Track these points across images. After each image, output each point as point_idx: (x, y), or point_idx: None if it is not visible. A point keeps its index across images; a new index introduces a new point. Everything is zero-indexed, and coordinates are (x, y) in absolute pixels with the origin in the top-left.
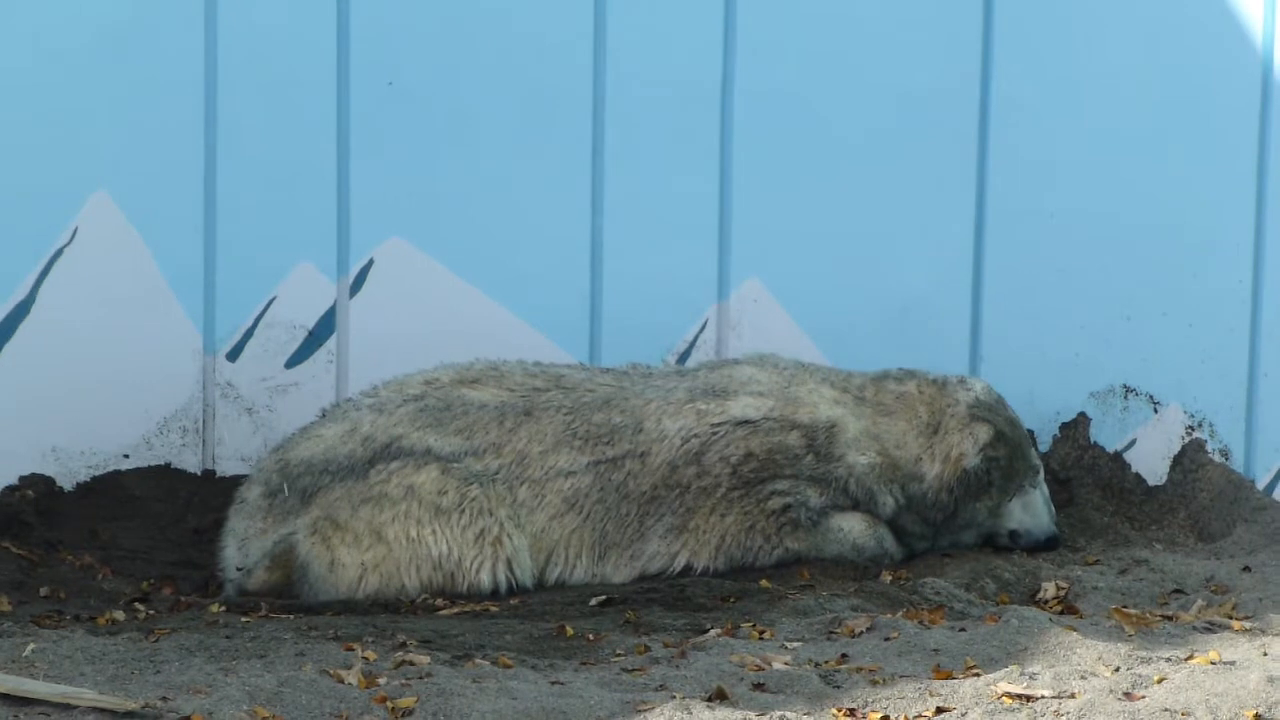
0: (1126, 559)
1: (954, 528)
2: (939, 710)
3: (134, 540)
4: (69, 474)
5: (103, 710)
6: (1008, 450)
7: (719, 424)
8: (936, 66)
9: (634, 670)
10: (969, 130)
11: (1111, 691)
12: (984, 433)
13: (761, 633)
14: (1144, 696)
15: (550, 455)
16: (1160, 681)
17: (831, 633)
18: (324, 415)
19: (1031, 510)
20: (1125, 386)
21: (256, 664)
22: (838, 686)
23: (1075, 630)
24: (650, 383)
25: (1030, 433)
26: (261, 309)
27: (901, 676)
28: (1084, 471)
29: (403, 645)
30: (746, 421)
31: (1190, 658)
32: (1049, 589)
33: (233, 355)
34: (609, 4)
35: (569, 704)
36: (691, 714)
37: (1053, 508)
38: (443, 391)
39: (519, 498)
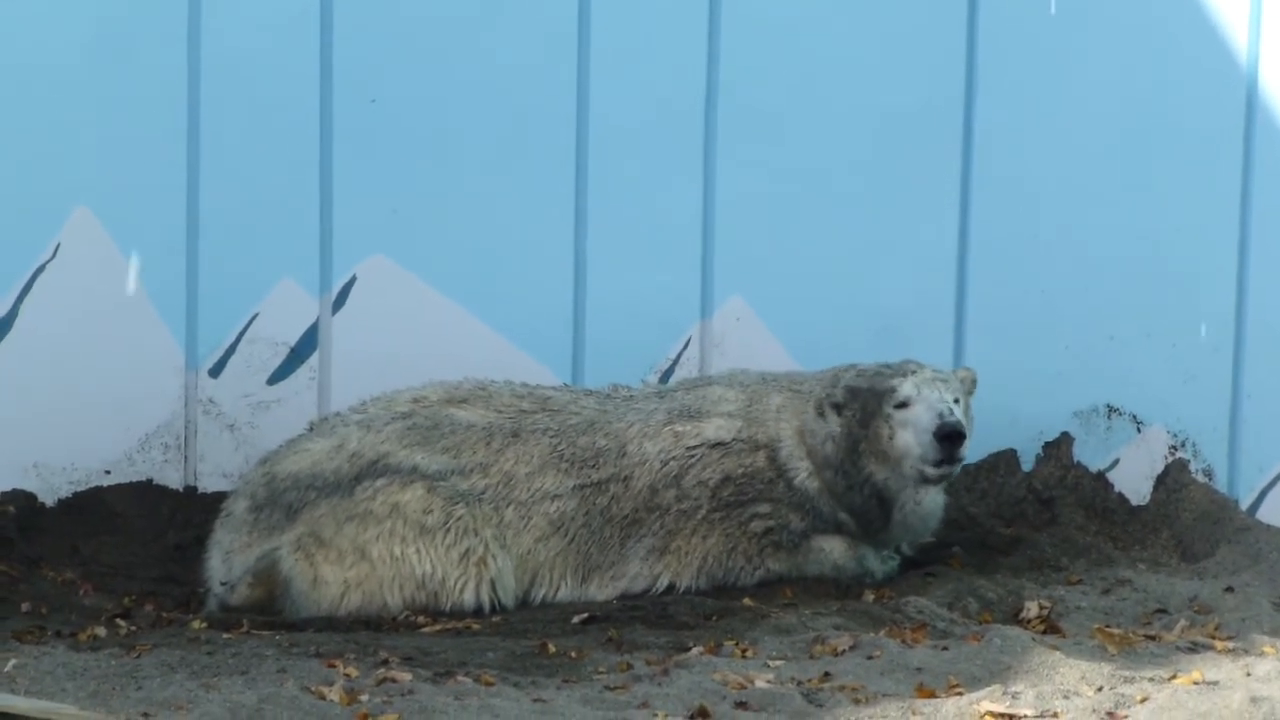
0: (1110, 579)
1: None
2: None
3: (115, 556)
4: (50, 490)
5: None
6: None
7: (694, 447)
8: (921, 87)
9: (616, 688)
10: (953, 150)
11: (1094, 711)
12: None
13: (744, 651)
14: (1127, 716)
15: (537, 477)
16: (1143, 701)
17: (814, 651)
18: (312, 429)
19: (911, 425)
20: (1109, 406)
21: (238, 680)
22: (820, 705)
23: (1058, 650)
24: (632, 405)
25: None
26: (244, 325)
27: (884, 695)
28: (1067, 491)
29: (384, 662)
30: (720, 444)
31: (1173, 678)
32: (1032, 608)
33: (215, 371)
34: (592, 23)
35: None
36: None
37: (946, 407)
38: (431, 410)
39: (505, 519)
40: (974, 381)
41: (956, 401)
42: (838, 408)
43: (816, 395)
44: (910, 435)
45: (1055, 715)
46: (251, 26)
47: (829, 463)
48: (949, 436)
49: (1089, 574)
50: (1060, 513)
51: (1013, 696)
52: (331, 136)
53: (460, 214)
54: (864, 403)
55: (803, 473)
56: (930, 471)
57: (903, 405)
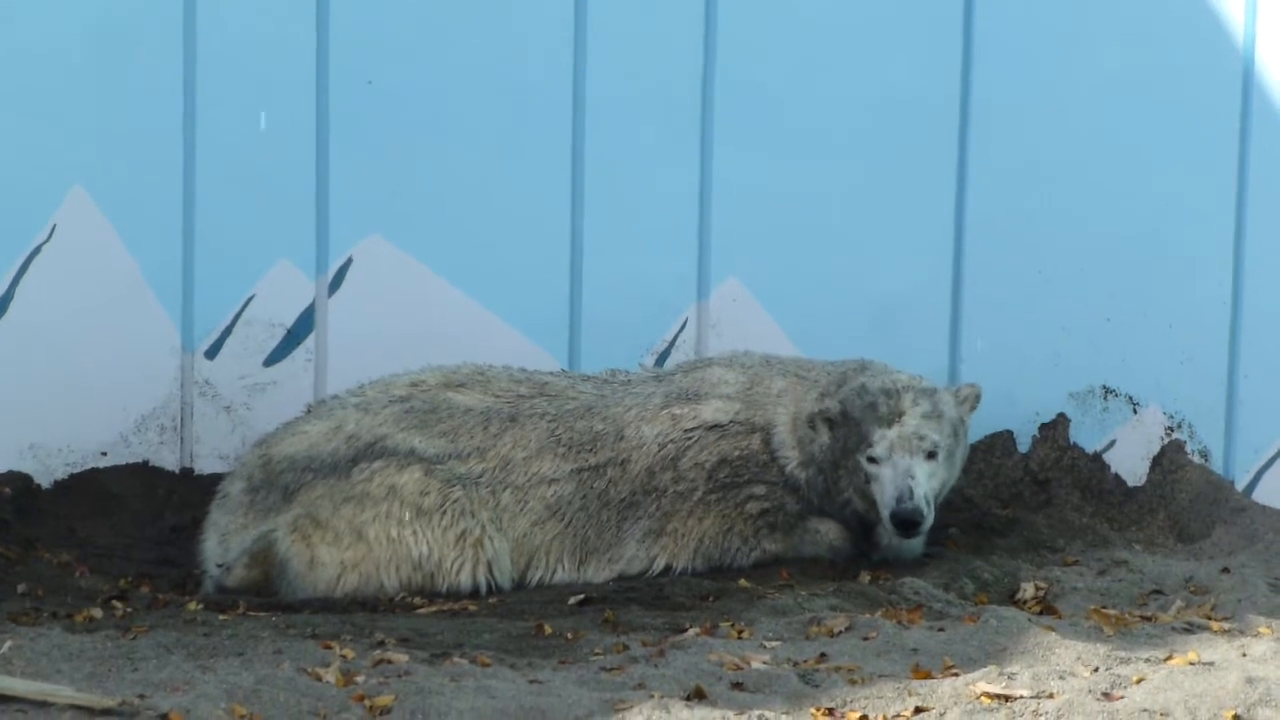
0: (1106, 559)
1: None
2: (917, 710)
3: (112, 538)
4: (47, 471)
5: (80, 708)
6: (844, 430)
7: (691, 429)
8: (917, 68)
9: (612, 669)
10: (949, 132)
11: (1090, 692)
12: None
13: (740, 632)
14: (1123, 697)
15: (534, 461)
16: (1139, 682)
17: (810, 632)
18: (309, 411)
19: (878, 483)
20: (1105, 387)
21: (234, 662)
22: (816, 686)
23: (1054, 630)
24: (630, 389)
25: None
26: (240, 307)
27: (880, 676)
28: (1063, 472)
29: (381, 644)
30: (717, 426)
31: (1169, 658)
32: (1028, 589)
33: (211, 353)
34: (589, 3)
35: (547, 702)
36: (670, 713)
37: (908, 487)
38: (429, 394)
39: (502, 502)
40: (977, 398)
41: (933, 455)
42: (830, 423)
43: (809, 409)
44: (878, 491)
45: (1051, 696)
46: (249, 7)
47: (813, 461)
48: (902, 524)
49: (1085, 555)
50: (1056, 494)
51: (1009, 677)
52: (328, 118)
53: (457, 195)
54: (849, 432)
55: (792, 462)
56: (897, 531)
57: (874, 461)
